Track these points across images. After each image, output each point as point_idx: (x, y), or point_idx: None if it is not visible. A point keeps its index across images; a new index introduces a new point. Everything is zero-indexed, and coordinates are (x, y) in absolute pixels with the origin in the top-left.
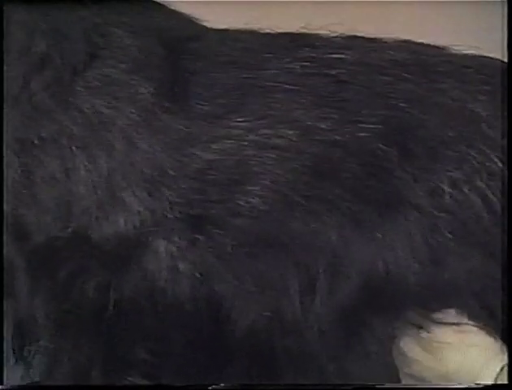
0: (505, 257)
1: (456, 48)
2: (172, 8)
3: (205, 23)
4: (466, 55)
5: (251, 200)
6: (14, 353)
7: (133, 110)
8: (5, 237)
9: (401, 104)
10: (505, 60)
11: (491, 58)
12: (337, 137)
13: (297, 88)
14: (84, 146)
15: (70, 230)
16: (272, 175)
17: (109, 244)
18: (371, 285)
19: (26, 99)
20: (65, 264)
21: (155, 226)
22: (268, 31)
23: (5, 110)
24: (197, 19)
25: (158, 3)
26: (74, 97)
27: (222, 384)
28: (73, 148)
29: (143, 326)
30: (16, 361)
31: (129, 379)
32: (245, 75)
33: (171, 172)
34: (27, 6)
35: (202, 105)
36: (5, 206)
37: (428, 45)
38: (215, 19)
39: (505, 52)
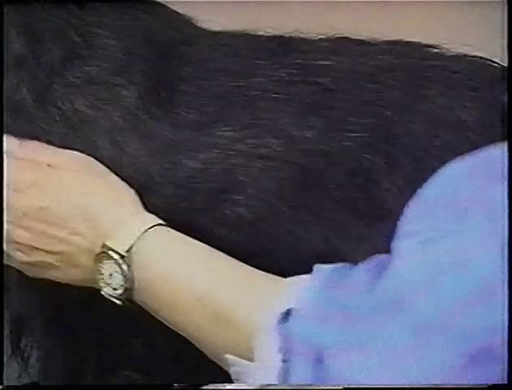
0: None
1: (447, 46)
2: (172, 9)
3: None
4: (456, 56)
5: (237, 209)
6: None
7: (118, 113)
8: None
9: (387, 112)
10: (501, 60)
11: (482, 57)
12: (323, 147)
13: (283, 96)
14: (65, 145)
15: None
16: (258, 185)
17: None
18: None
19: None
20: None
21: None
22: (260, 33)
23: None
24: (195, 20)
25: (159, 4)
26: (54, 95)
27: (220, 384)
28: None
29: (135, 323)
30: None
31: (124, 372)
32: (232, 83)
33: (157, 178)
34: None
35: (188, 112)
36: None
37: (418, 45)
38: (209, 18)
39: (505, 53)
